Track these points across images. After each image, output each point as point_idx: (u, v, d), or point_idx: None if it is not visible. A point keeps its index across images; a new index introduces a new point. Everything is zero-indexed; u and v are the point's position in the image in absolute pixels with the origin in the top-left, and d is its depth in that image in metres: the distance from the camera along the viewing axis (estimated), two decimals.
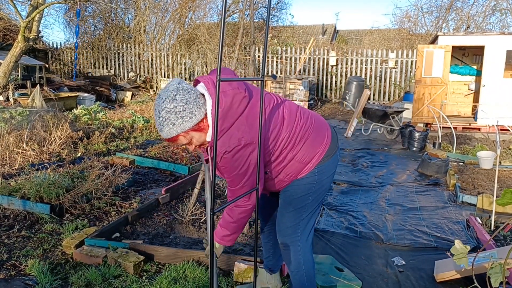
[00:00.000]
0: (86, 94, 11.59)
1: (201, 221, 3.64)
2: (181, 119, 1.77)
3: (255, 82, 10.09)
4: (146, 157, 5.80)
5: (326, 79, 14.75)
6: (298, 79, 11.60)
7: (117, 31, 16.54)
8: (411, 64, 13.76)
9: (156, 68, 15.21)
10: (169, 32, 16.27)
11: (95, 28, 17.24)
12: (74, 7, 14.21)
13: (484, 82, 9.24)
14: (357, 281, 2.82)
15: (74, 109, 8.99)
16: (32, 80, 11.52)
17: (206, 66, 14.70)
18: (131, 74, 15.47)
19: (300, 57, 14.40)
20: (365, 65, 14.27)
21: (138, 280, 2.73)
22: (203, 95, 1.86)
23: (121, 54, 15.74)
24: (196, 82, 1.96)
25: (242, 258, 2.84)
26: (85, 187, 3.99)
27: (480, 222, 3.77)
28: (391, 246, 3.45)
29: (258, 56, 14.49)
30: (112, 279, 2.73)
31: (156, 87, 14.57)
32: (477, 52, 10.22)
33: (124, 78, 15.43)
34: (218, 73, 1.33)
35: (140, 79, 15.39)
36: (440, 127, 7.43)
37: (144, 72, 15.56)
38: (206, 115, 1.84)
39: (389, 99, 14.12)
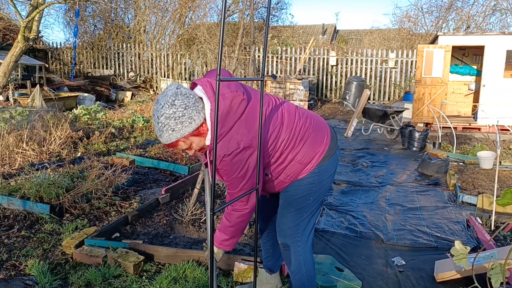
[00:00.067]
0: (86, 94, 11.59)
1: (201, 221, 3.64)
2: (180, 125, 1.76)
3: (255, 82, 10.09)
4: (146, 157, 5.80)
5: (326, 79, 14.76)
6: (298, 79, 11.60)
7: (117, 31, 16.54)
8: (411, 64, 13.76)
9: (156, 68, 15.21)
10: (169, 32, 16.28)
11: (95, 28, 17.26)
12: (74, 7, 14.21)
13: (484, 82, 9.24)
14: (357, 281, 2.82)
15: (74, 109, 8.99)
16: (32, 80, 11.52)
17: (206, 66, 14.70)
18: (131, 74, 15.47)
19: (300, 57, 14.41)
20: (365, 65, 14.27)
21: (138, 280, 2.73)
22: (201, 98, 1.84)
23: (121, 54, 15.74)
24: (194, 85, 1.94)
25: (242, 258, 2.84)
26: (85, 187, 3.99)
27: (480, 222, 3.77)
28: (391, 246, 3.45)
29: (258, 56, 14.49)
30: (112, 279, 2.73)
31: (156, 87, 14.57)
32: (477, 52, 10.22)
33: (124, 78, 15.43)
34: (218, 73, 1.32)
35: (140, 79, 15.39)
36: (440, 127, 7.43)
37: (144, 72, 15.56)
38: (205, 119, 1.82)
39: (389, 99, 14.12)
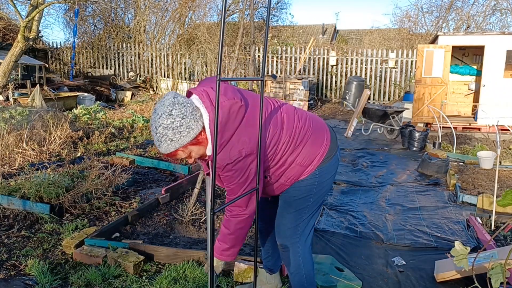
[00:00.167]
0: (86, 94, 11.59)
1: (201, 221, 3.64)
2: (178, 135, 1.74)
3: (254, 82, 10.06)
4: (146, 157, 5.80)
5: (326, 79, 14.76)
6: (298, 79, 11.60)
7: (117, 31, 16.54)
8: (411, 64, 13.76)
9: (156, 68, 15.21)
10: (169, 32, 16.28)
11: (95, 28, 17.25)
12: (74, 7, 14.21)
13: (484, 82, 9.24)
14: (357, 281, 2.81)
15: (74, 109, 8.98)
16: (32, 79, 11.52)
17: (206, 66, 14.70)
18: (131, 73, 15.47)
19: (300, 57, 14.40)
20: (365, 65, 14.27)
21: (138, 280, 2.73)
22: (198, 108, 1.83)
23: (121, 54, 15.74)
24: (189, 94, 1.91)
25: (242, 258, 2.84)
26: (85, 187, 3.99)
27: (480, 222, 3.77)
28: (391, 246, 3.45)
29: (258, 56, 14.49)
30: (112, 279, 2.73)
31: (156, 87, 14.57)
32: (477, 52, 10.22)
33: (124, 77, 15.43)
34: (218, 73, 1.32)
35: (140, 79, 15.39)
36: (440, 127, 7.43)
37: (144, 72, 15.56)
38: (204, 128, 1.81)
39: (389, 99, 14.12)
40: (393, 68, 14.01)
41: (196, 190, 3.76)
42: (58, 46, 16.51)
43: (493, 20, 18.55)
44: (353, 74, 14.32)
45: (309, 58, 14.62)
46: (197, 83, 13.35)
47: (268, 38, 1.66)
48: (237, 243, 2.06)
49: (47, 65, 14.27)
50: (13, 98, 9.50)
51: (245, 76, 14.14)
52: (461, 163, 5.95)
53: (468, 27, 17.31)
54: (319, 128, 2.11)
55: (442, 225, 3.87)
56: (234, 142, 1.81)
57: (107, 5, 15.93)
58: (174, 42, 15.54)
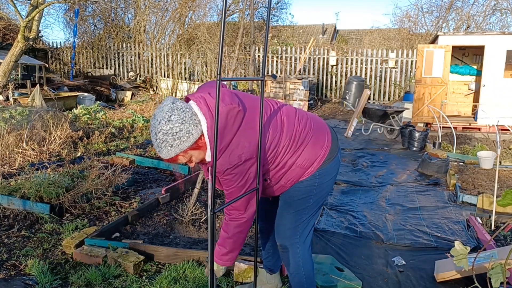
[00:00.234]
0: (86, 94, 11.59)
1: (201, 221, 3.64)
2: (178, 140, 1.74)
3: (254, 82, 10.04)
4: (146, 156, 5.81)
5: (326, 79, 14.76)
6: (298, 79, 11.60)
7: (117, 31, 16.54)
8: (411, 64, 13.76)
9: (156, 68, 15.21)
10: (169, 32, 16.28)
11: (95, 28, 17.25)
12: (74, 7, 14.21)
13: (484, 82, 9.24)
14: (357, 281, 2.81)
15: (74, 109, 8.98)
16: (32, 79, 11.52)
17: (206, 66, 14.70)
18: (131, 73, 15.47)
19: (300, 57, 14.40)
20: (365, 65, 14.27)
21: (138, 280, 2.73)
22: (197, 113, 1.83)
23: (121, 54, 15.74)
24: (187, 100, 1.91)
25: (242, 258, 2.84)
26: (85, 186, 3.99)
27: (480, 222, 3.77)
28: (391, 246, 3.45)
29: (258, 56, 14.49)
30: (112, 279, 2.73)
31: (156, 87, 14.57)
32: (477, 52, 10.22)
33: (124, 77, 15.43)
34: (218, 73, 1.32)
35: (140, 79, 15.39)
36: (440, 127, 7.43)
37: (144, 72, 15.56)
38: (203, 133, 1.81)
39: (389, 99, 14.12)
40: (393, 68, 14.02)
41: (196, 190, 3.76)
42: (58, 46, 16.51)
43: (493, 20, 18.57)
44: (353, 74, 14.32)
45: (309, 58, 14.62)
46: (197, 83, 13.32)
47: (268, 38, 1.66)
48: (236, 248, 2.07)
49: (47, 65, 14.27)
50: (13, 98, 9.50)
51: (245, 76, 14.15)
52: (461, 163, 5.96)
53: (468, 27, 17.32)
54: (319, 129, 2.10)
55: (442, 225, 3.87)
56: (233, 147, 1.81)
57: (107, 5, 15.93)
58: (174, 42, 15.54)
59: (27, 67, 12.47)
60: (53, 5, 13.38)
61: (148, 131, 7.89)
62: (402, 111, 8.52)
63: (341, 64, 14.56)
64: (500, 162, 5.77)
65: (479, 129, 9.22)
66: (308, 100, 11.77)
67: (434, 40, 10.26)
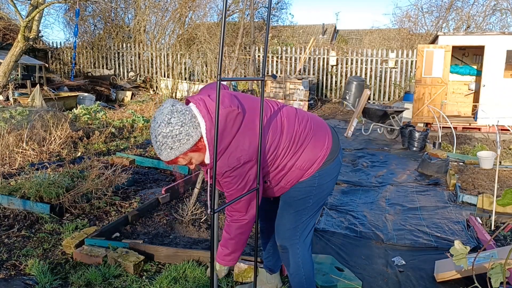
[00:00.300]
0: (86, 94, 11.59)
1: (201, 221, 3.64)
2: (178, 142, 1.75)
3: (254, 82, 10.03)
4: (146, 156, 5.81)
5: (326, 79, 14.76)
6: (298, 79, 11.60)
7: (117, 31, 16.54)
8: (411, 64, 13.76)
9: (156, 68, 15.21)
10: (169, 32, 16.28)
11: (95, 28, 17.25)
12: (74, 7, 14.21)
13: (484, 82, 9.24)
14: (357, 281, 2.82)
15: (74, 109, 8.99)
16: (32, 79, 11.52)
17: (206, 66, 14.69)
18: (131, 73, 15.47)
19: (300, 57, 14.41)
20: (365, 65, 14.27)
21: (138, 280, 2.73)
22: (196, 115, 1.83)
23: (121, 54, 15.74)
24: (188, 102, 1.92)
25: (242, 258, 2.84)
26: (85, 186, 3.99)
27: (480, 222, 3.77)
28: (391, 246, 3.45)
29: (258, 56, 14.49)
30: (112, 279, 2.73)
31: (156, 87, 14.57)
32: (477, 52, 10.22)
33: (124, 77, 15.43)
34: (219, 73, 1.32)
35: (140, 79, 15.40)
36: (440, 127, 7.43)
37: (144, 72, 15.56)
38: (202, 135, 1.82)
39: (389, 99, 14.12)
40: (393, 68, 14.02)
41: (196, 190, 3.76)
42: (58, 46, 16.52)
43: (493, 20, 18.58)
44: (353, 74, 14.32)
45: (309, 58, 14.62)
46: (197, 83, 13.31)
47: (268, 38, 1.66)
48: (238, 248, 2.07)
49: (47, 65, 14.27)
50: (13, 98, 9.50)
51: (245, 76, 14.15)
52: (461, 163, 5.96)
53: (468, 27, 17.32)
54: (320, 130, 2.09)
55: (442, 225, 3.87)
56: (233, 150, 1.82)
57: (107, 5, 15.93)
58: (174, 42, 15.54)
59: (27, 67, 12.47)
60: (53, 5, 13.39)
61: (148, 131, 7.89)
62: (402, 111, 8.52)
63: (341, 64, 14.56)
64: (500, 162, 5.78)
65: (479, 129, 9.22)
66: (308, 100, 11.77)
67: (434, 40, 10.26)
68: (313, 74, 14.68)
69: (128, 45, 15.80)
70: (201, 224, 3.60)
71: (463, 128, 9.29)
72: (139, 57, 15.61)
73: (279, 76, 12.09)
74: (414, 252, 3.34)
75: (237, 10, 17.25)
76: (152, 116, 8.32)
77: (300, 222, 2.14)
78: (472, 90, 10.51)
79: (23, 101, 9.24)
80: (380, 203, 4.54)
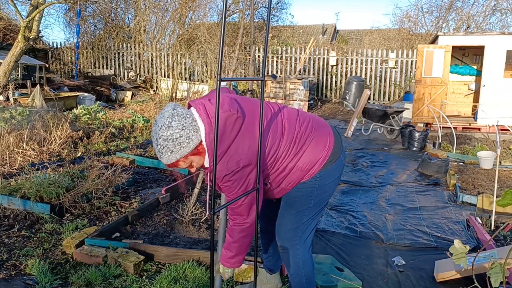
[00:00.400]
0: (86, 94, 11.59)
1: (201, 221, 3.65)
2: (178, 146, 1.77)
3: (255, 82, 10.03)
4: (146, 156, 5.81)
5: (326, 79, 14.76)
6: (298, 79, 11.60)
7: (117, 31, 16.54)
8: (411, 64, 13.76)
9: (156, 68, 15.22)
10: (169, 32, 16.28)
11: (95, 28, 17.26)
12: (74, 7, 14.22)
13: (484, 82, 9.24)
14: (357, 280, 2.82)
15: (74, 109, 8.99)
16: (32, 79, 11.52)
17: (206, 66, 14.70)
18: (131, 73, 15.47)
19: (300, 57, 14.41)
20: (365, 65, 14.27)
21: (138, 280, 2.73)
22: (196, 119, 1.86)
23: (121, 54, 15.75)
24: (189, 106, 1.94)
25: None
26: (85, 186, 3.99)
27: (480, 222, 3.77)
28: (391, 246, 3.45)
29: (258, 56, 14.50)
30: (112, 278, 2.73)
31: (156, 87, 14.57)
32: (477, 52, 10.22)
33: (124, 77, 15.43)
34: (219, 73, 1.33)
35: (140, 79, 15.40)
36: (440, 127, 7.43)
37: (144, 72, 15.57)
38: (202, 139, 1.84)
39: (389, 99, 14.12)
40: (393, 68, 14.02)
41: (196, 190, 3.76)
42: (59, 46, 16.52)
43: (493, 20, 18.57)
44: (353, 74, 14.32)
45: (309, 58, 14.62)
46: (197, 83, 13.27)
47: (268, 38, 1.66)
48: (241, 251, 2.08)
49: (47, 65, 14.27)
50: (13, 98, 9.51)
51: (245, 76, 14.15)
52: (461, 163, 5.96)
53: (468, 27, 17.32)
54: (322, 131, 2.09)
55: (442, 225, 3.88)
56: (232, 153, 1.83)
57: (107, 5, 15.93)
58: (174, 42, 15.54)
59: (27, 67, 12.47)
60: (53, 5, 13.38)
61: (148, 131, 7.90)
62: (402, 111, 8.52)
63: (341, 64, 14.56)
64: (500, 162, 5.78)
65: (479, 129, 9.22)
66: (308, 100, 11.77)
67: (434, 40, 10.26)
68: (313, 74, 14.68)
69: (128, 45, 15.81)
70: (201, 224, 3.60)
71: (463, 128, 9.29)
72: (139, 57, 15.61)
73: (279, 76, 12.10)
74: (414, 252, 3.34)
75: (237, 10, 17.26)
76: (152, 116, 8.28)
77: (301, 223, 2.14)
78: (472, 90, 10.51)
79: (23, 101, 9.24)
80: (380, 203, 4.54)
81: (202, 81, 14.34)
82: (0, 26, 13.39)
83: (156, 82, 14.70)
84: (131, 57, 15.70)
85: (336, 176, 2.12)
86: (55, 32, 50.35)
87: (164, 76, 14.80)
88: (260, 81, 1.71)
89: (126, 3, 17.16)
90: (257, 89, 10.77)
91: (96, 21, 17.16)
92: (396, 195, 4.84)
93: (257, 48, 14.21)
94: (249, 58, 13.25)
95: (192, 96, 11.87)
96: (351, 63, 14.45)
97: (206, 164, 1.91)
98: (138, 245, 3.06)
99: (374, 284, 2.84)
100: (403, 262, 3.14)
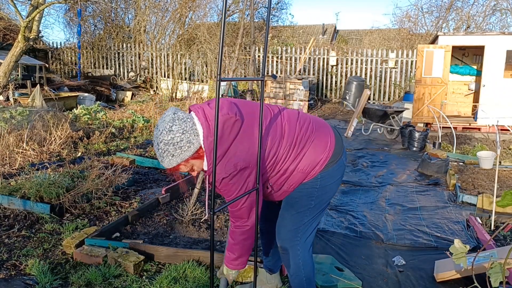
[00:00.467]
0: (86, 94, 11.59)
1: (201, 221, 3.65)
2: (179, 150, 1.79)
3: (254, 82, 10.04)
4: (146, 157, 5.81)
5: (326, 79, 14.76)
6: (298, 79, 11.60)
7: (117, 31, 16.55)
8: (411, 64, 13.76)
9: (156, 68, 15.22)
10: (169, 32, 16.28)
11: (95, 28, 17.27)
12: (75, 7, 14.22)
13: (484, 82, 9.24)
14: (357, 280, 2.82)
15: (74, 109, 8.99)
16: (32, 80, 11.52)
17: (206, 66, 14.70)
18: (131, 74, 15.47)
19: (300, 57, 14.41)
20: (365, 65, 14.27)
21: (138, 280, 2.73)
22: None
23: (121, 54, 15.75)
24: (190, 111, 1.97)
25: None
26: (85, 186, 4.00)
27: (480, 222, 3.77)
28: (391, 246, 3.45)
29: (258, 56, 14.50)
30: (112, 278, 2.73)
31: (156, 87, 14.58)
32: (477, 52, 10.22)
33: (124, 78, 15.43)
34: (218, 73, 1.33)
35: (140, 79, 15.40)
36: (440, 127, 7.43)
37: (144, 72, 15.56)
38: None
39: (389, 99, 14.12)
40: (393, 68, 14.02)
41: (196, 190, 3.76)
42: (59, 46, 16.52)
43: (493, 20, 18.58)
44: (353, 74, 14.33)
45: (309, 58, 14.62)
46: (197, 83, 13.28)
47: (268, 38, 1.67)
48: (244, 253, 2.10)
49: (47, 65, 14.27)
50: (13, 98, 9.51)
51: (245, 76, 14.15)
52: (461, 163, 5.96)
53: (468, 27, 17.32)
54: (322, 133, 2.09)
55: (442, 225, 3.88)
56: (230, 156, 1.84)
57: (107, 5, 15.94)
58: (174, 42, 15.55)
59: (27, 67, 12.47)
60: (53, 6, 13.37)
61: (148, 131, 7.90)
62: (402, 111, 8.52)
63: (341, 64, 14.56)
64: (500, 162, 5.78)
65: (479, 129, 9.22)
66: (308, 100, 11.77)
67: (434, 40, 10.26)
68: (313, 74, 14.68)
69: (128, 45, 15.81)
70: (201, 224, 3.61)
71: (463, 128, 9.29)
72: (139, 57, 15.61)
73: (279, 76, 12.10)
74: (414, 252, 3.34)
75: (237, 10, 17.26)
76: (152, 116, 8.26)
77: (301, 223, 2.14)
78: (472, 90, 10.51)
79: (23, 101, 9.24)
80: (380, 203, 4.54)
81: (202, 81, 14.34)
82: (0, 26, 13.39)
83: (156, 82, 14.70)
84: (131, 57, 15.70)
85: (337, 177, 2.12)
86: (55, 32, 50.44)
87: (164, 76, 14.80)
88: (260, 81, 1.71)
89: (126, 3, 17.17)
90: (257, 89, 10.77)
91: (96, 21, 17.18)
92: (396, 195, 4.84)
93: (257, 48, 14.21)
94: (249, 58, 13.25)
95: (192, 96, 11.87)
96: (351, 63, 14.45)
97: (205, 167, 1.93)
98: (138, 245, 3.06)
99: (374, 284, 2.84)
100: (403, 262, 3.14)
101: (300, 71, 13.68)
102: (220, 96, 1.61)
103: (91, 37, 16.71)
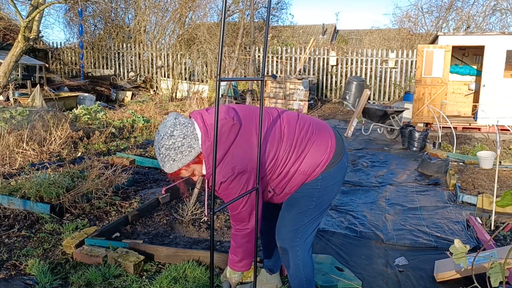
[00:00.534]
0: (86, 94, 11.59)
1: (201, 221, 3.65)
2: (180, 154, 1.81)
3: (254, 82, 10.03)
4: (146, 157, 5.81)
5: (326, 79, 14.76)
6: (298, 79, 11.60)
7: (117, 31, 16.55)
8: (411, 64, 13.77)
9: (156, 68, 15.22)
10: (169, 32, 16.29)
11: (95, 28, 17.27)
12: (75, 7, 14.22)
13: (484, 82, 9.24)
14: (357, 280, 2.82)
15: (74, 109, 8.99)
16: (32, 80, 11.52)
17: (206, 66, 14.70)
18: (131, 74, 15.47)
19: (300, 57, 14.41)
20: (365, 65, 14.27)
21: (138, 280, 2.73)
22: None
23: (121, 54, 15.75)
24: (190, 117, 1.99)
25: None
26: (85, 186, 4.00)
27: (480, 222, 3.77)
28: (391, 246, 3.45)
29: (258, 56, 14.50)
30: (112, 278, 2.73)
31: (156, 87, 14.58)
32: (477, 52, 10.22)
33: (124, 78, 15.44)
34: (218, 73, 1.33)
35: (140, 79, 15.40)
36: (440, 127, 7.43)
37: (144, 72, 15.57)
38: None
39: (389, 99, 14.12)
40: (393, 68, 14.02)
41: (196, 190, 3.76)
42: (59, 46, 16.52)
43: (493, 20, 18.59)
44: (353, 74, 14.33)
45: (309, 58, 14.62)
46: (197, 83, 13.29)
47: (268, 38, 1.67)
48: (247, 255, 2.11)
49: (47, 65, 14.27)
50: (13, 98, 9.51)
51: (245, 76, 14.15)
52: (461, 163, 5.96)
53: (468, 27, 17.32)
54: (323, 134, 2.09)
55: (442, 225, 3.88)
56: (228, 160, 1.86)
57: (108, 5, 15.94)
58: (174, 42, 15.55)
59: (27, 67, 12.47)
60: (53, 6, 13.38)
61: (148, 131, 7.90)
62: (402, 111, 8.52)
63: (341, 64, 14.56)
64: (500, 162, 5.78)
65: (479, 129, 9.22)
66: (308, 100, 11.77)
67: (434, 40, 10.26)
68: (313, 74, 14.68)
69: (128, 45, 15.81)
70: (201, 224, 3.61)
71: (463, 128, 9.29)
72: (139, 57, 15.61)
73: (279, 76, 12.10)
74: (414, 252, 3.34)
75: (237, 10, 17.26)
76: (152, 116, 8.26)
77: (301, 224, 2.13)
78: (472, 90, 10.51)
79: (23, 101, 9.24)
80: (380, 203, 4.54)
81: (202, 81, 14.34)
82: (0, 26, 13.39)
83: (156, 82, 14.70)
84: (131, 57, 15.70)
85: (338, 178, 2.12)
86: (55, 32, 50.44)
87: (164, 76, 14.80)
88: (260, 81, 1.72)
89: (126, 3, 17.18)
90: (257, 89, 10.77)
91: (96, 21, 17.18)
92: (396, 195, 4.84)
93: (257, 48, 14.21)
94: (249, 58, 13.25)
95: (192, 96, 11.87)
96: (351, 63, 14.45)
97: (204, 172, 1.95)
98: (138, 245, 3.06)
99: (374, 284, 2.84)
100: (406, 262, 3.14)
101: (300, 71, 13.68)
102: (220, 96, 1.61)
103: (91, 37, 16.71)
